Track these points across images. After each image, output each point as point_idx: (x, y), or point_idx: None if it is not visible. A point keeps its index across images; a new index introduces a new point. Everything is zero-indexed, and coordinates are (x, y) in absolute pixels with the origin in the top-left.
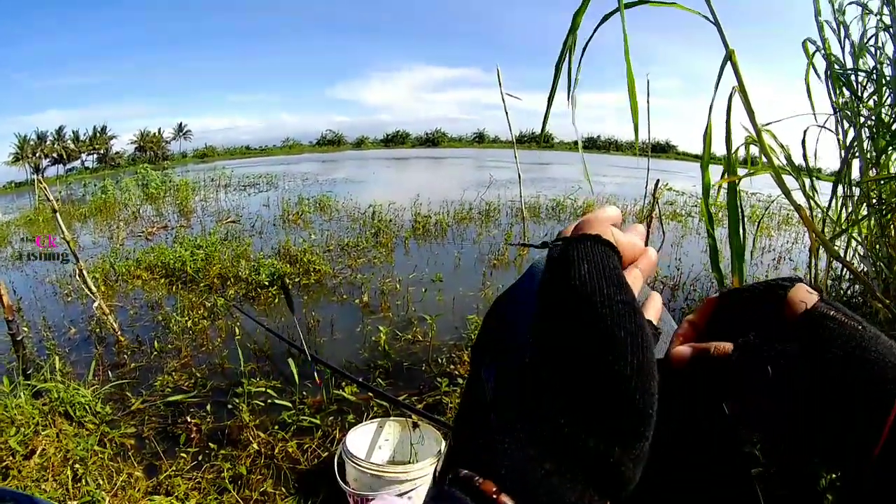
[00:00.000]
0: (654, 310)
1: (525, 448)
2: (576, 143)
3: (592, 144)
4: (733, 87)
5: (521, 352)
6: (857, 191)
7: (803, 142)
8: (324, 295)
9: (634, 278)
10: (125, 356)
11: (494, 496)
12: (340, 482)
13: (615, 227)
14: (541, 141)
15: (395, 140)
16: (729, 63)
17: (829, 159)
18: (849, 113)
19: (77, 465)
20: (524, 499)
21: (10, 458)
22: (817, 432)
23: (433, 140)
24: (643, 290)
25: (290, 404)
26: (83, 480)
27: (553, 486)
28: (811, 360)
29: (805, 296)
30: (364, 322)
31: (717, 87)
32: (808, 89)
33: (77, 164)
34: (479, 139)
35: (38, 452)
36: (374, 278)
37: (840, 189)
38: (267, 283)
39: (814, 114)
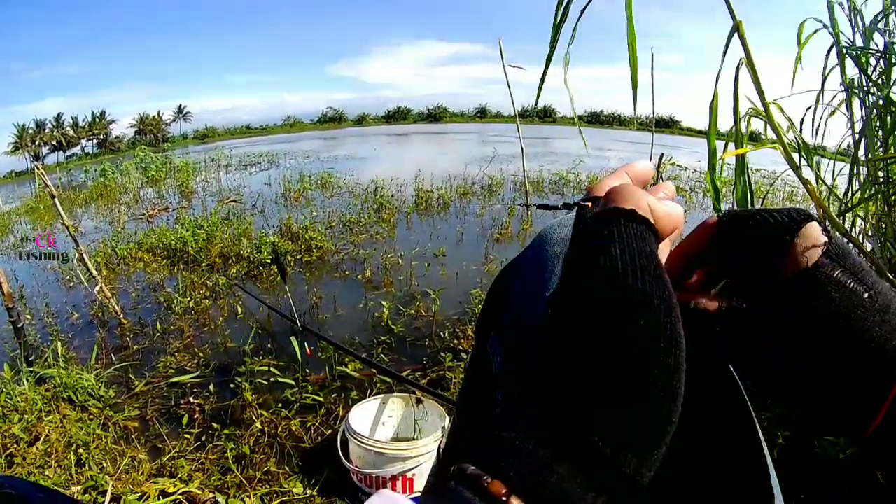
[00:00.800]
0: None
1: (536, 448)
2: (580, 117)
3: (596, 119)
4: (741, 59)
5: (528, 329)
6: (864, 169)
7: (813, 120)
8: (326, 271)
9: (663, 253)
10: (128, 339)
11: (504, 499)
12: (343, 460)
13: (649, 195)
14: (534, 115)
15: (397, 116)
16: (736, 35)
17: (832, 138)
18: (857, 91)
19: (81, 450)
20: (534, 502)
21: (15, 445)
22: (808, 402)
23: (435, 115)
24: None
25: (293, 382)
26: (86, 465)
27: (565, 491)
28: (804, 328)
29: (812, 244)
30: (367, 298)
31: (723, 58)
32: (826, 70)
33: (77, 150)
34: (482, 114)
35: (41, 439)
36: (376, 254)
37: (849, 168)
38: (269, 261)
39: (822, 90)
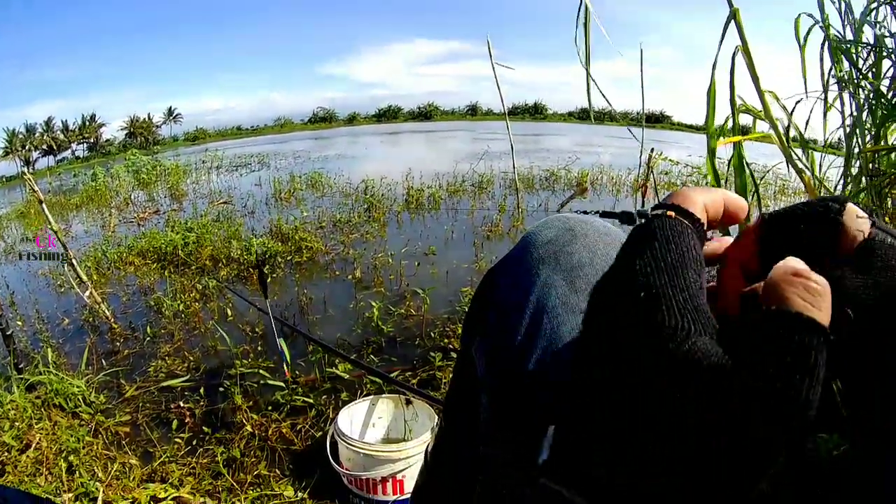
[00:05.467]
0: None
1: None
2: (570, 113)
3: (586, 115)
4: (737, 47)
5: (511, 330)
6: (857, 162)
7: (807, 116)
8: (316, 272)
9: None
10: (118, 343)
11: None
12: (333, 463)
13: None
14: (524, 112)
15: (388, 115)
16: (733, 22)
17: (821, 131)
18: (848, 84)
19: (72, 457)
20: None
21: (6, 453)
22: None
23: (426, 114)
24: None
25: (282, 384)
26: (77, 472)
27: None
28: (875, 300)
29: (859, 222)
30: (356, 298)
31: (720, 45)
32: (822, 65)
33: (67, 154)
34: (472, 111)
35: (32, 446)
36: (366, 253)
37: (843, 161)
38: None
39: (825, 89)
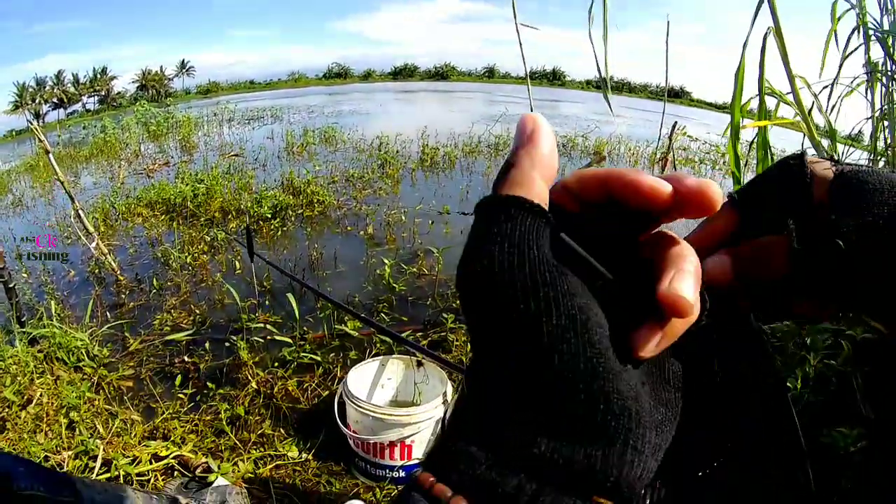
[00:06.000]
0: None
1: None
2: (588, 82)
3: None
4: (769, 28)
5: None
6: (882, 159)
7: (835, 104)
8: (327, 227)
9: None
10: (124, 296)
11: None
12: (341, 425)
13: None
14: (543, 77)
15: (404, 73)
16: (766, 2)
17: (846, 121)
18: (881, 75)
19: (72, 413)
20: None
21: (7, 409)
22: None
23: (442, 74)
24: None
25: (290, 340)
26: (77, 429)
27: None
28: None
29: (821, 165)
30: (368, 254)
31: (752, 26)
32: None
33: (78, 107)
34: (490, 74)
35: (33, 402)
36: (379, 210)
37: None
38: (269, 216)
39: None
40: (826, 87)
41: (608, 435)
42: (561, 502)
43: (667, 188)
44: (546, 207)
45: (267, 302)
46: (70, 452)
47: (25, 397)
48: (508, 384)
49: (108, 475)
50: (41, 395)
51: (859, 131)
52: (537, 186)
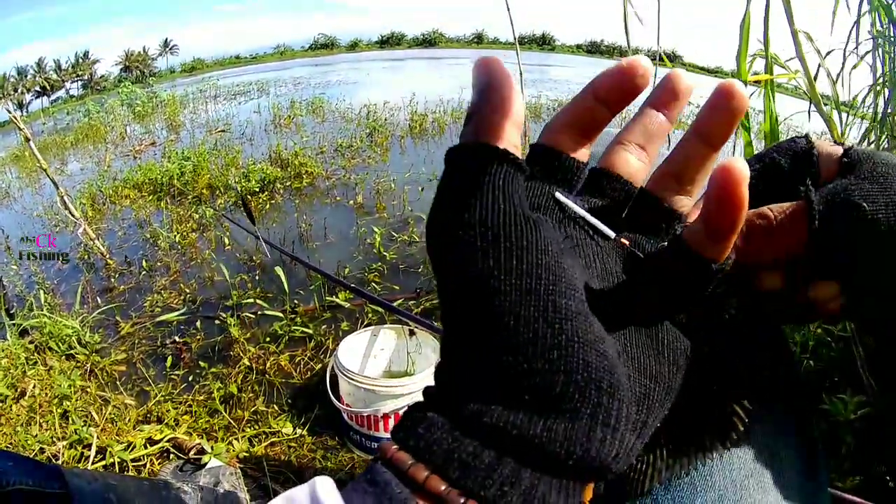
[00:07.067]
0: None
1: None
2: (578, 46)
3: (596, 49)
4: None
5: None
6: (882, 128)
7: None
8: (317, 198)
9: None
10: (114, 279)
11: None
12: (333, 399)
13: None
14: (532, 42)
15: (391, 42)
16: None
17: (848, 90)
18: (884, 42)
19: (66, 403)
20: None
21: (1, 404)
22: None
23: (430, 41)
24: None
25: (280, 314)
26: (71, 419)
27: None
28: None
29: (828, 143)
30: (358, 224)
31: None
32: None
33: (62, 93)
34: (478, 40)
35: (27, 394)
36: (368, 178)
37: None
38: (257, 190)
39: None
40: (830, 52)
41: (571, 409)
42: (520, 475)
43: (644, 61)
44: (518, 154)
45: (257, 277)
46: (65, 443)
47: (18, 390)
48: (466, 348)
49: (102, 463)
50: (34, 387)
51: (862, 100)
52: (506, 133)
